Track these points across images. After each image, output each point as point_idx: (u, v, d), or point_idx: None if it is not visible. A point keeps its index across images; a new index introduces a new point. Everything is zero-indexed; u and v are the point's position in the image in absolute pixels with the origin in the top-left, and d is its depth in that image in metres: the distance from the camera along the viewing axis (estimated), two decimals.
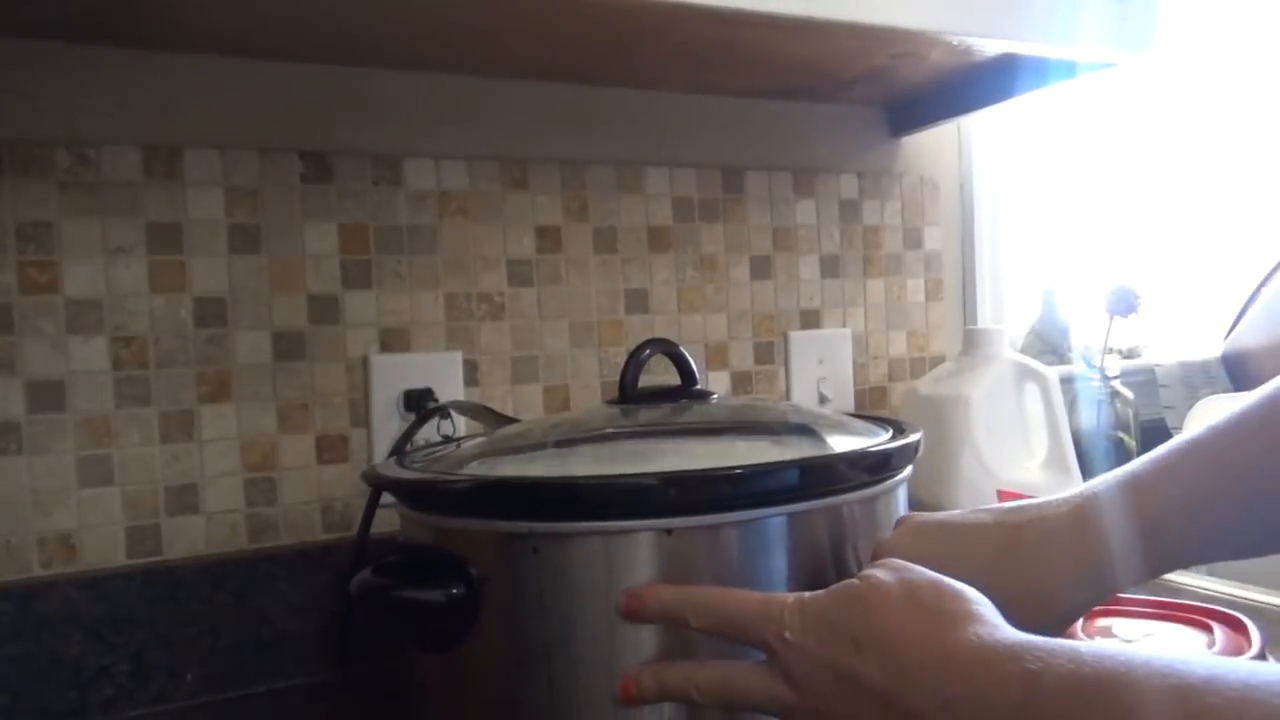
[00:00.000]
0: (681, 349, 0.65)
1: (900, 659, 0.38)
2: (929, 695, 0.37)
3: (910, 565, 0.42)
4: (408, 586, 0.49)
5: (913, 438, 0.56)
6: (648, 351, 0.63)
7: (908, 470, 0.57)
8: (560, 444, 0.59)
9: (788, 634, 0.41)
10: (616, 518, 0.47)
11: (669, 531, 0.47)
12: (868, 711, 0.38)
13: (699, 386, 0.64)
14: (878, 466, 0.54)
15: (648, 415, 0.62)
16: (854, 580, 0.42)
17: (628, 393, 0.62)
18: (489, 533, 0.48)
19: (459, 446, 0.66)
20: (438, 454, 0.64)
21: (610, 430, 0.60)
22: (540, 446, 0.60)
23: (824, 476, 0.51)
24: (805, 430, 0.61)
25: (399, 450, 0.72)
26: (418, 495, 0.55)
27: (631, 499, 0.47)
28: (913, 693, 0.37)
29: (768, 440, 0.61)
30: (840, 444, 0.56)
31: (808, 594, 0.42)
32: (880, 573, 0.42)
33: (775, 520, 0.49)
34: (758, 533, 0.49)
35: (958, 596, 0.40)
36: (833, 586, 0.42)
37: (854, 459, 0.53)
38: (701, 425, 0.63)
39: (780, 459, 0.54)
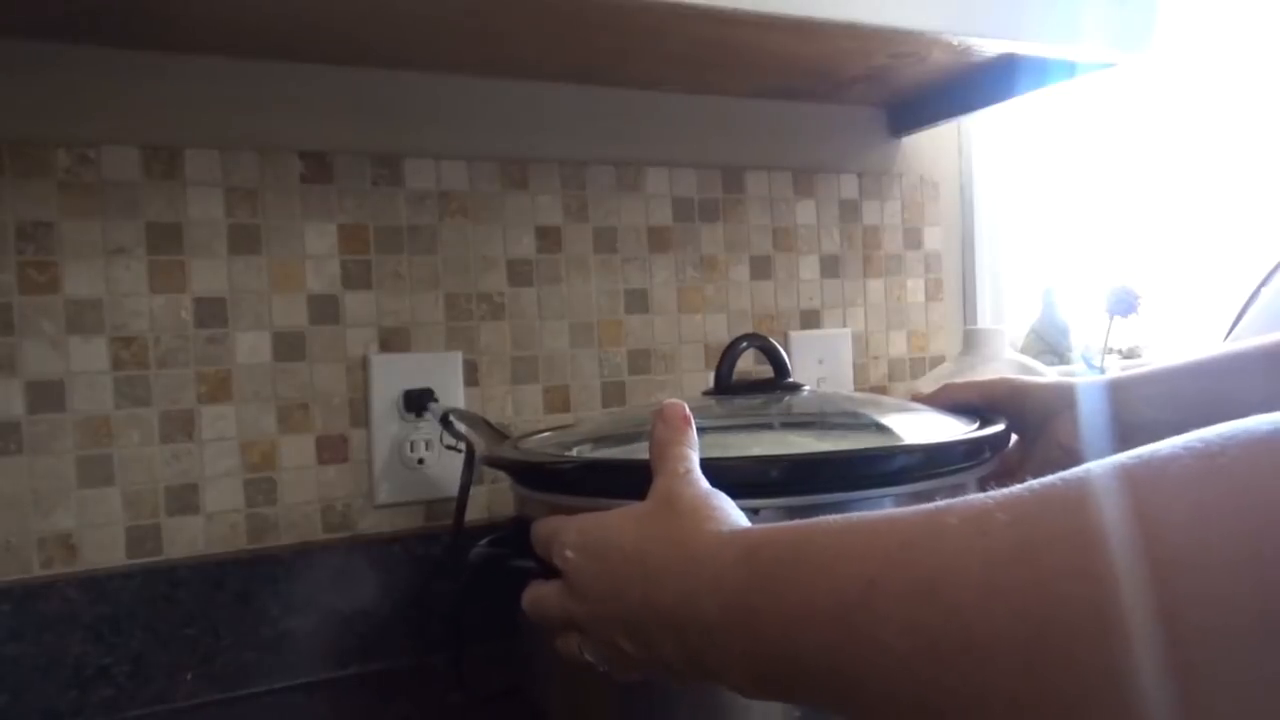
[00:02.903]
0: (774, 343, 0.67)
1: (650, 563, 0.41)
2: (674, 592, 0.39)
3: (688, 479, 0.45)
4: (523, 556, 0.51)
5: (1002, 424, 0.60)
6: (744, 345, 0.66)
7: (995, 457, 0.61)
8: None
9: (569, 553, 0.45)
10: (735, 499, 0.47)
11: (755, 511, 0.48)
12: (635, 614, 0.41)
13: (791, 379, 0.66)
14: (978, 452, 0.57)
15: (744, 404, 0.65)
16: (636, 504, 0.45)
17: (723, 384, 0.65)
18: (600, 509, 0.50)
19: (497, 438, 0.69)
20: (546, 439, 0.67)
21: (707, 418, 0.61)
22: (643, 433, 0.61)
23: (936, 459, 0.54)
24: (887, 421, 0.63)
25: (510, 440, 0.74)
26: (534, 476, 0.60)
27: (744, 479, 0.50)
28: (661, 593, 0.40)
29: (860, 429, 0.63)
30: (935, 431, 0.59)
31: (593, 515, 0.46)
32: (660, 490, 0.45)
33: (887, 501, 0.52)
34: None
35: (707, 504, 0.43)
36: (615, 510, 0.45)
37: (970, 443, 0.56)
38: (799, 414, 0.65)
39: (893, 444, 0.57)
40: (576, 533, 0.45)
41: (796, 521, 0.38)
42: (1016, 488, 0.30)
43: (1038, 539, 0.28)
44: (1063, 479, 0.29)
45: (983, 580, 0.28)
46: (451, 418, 0.81)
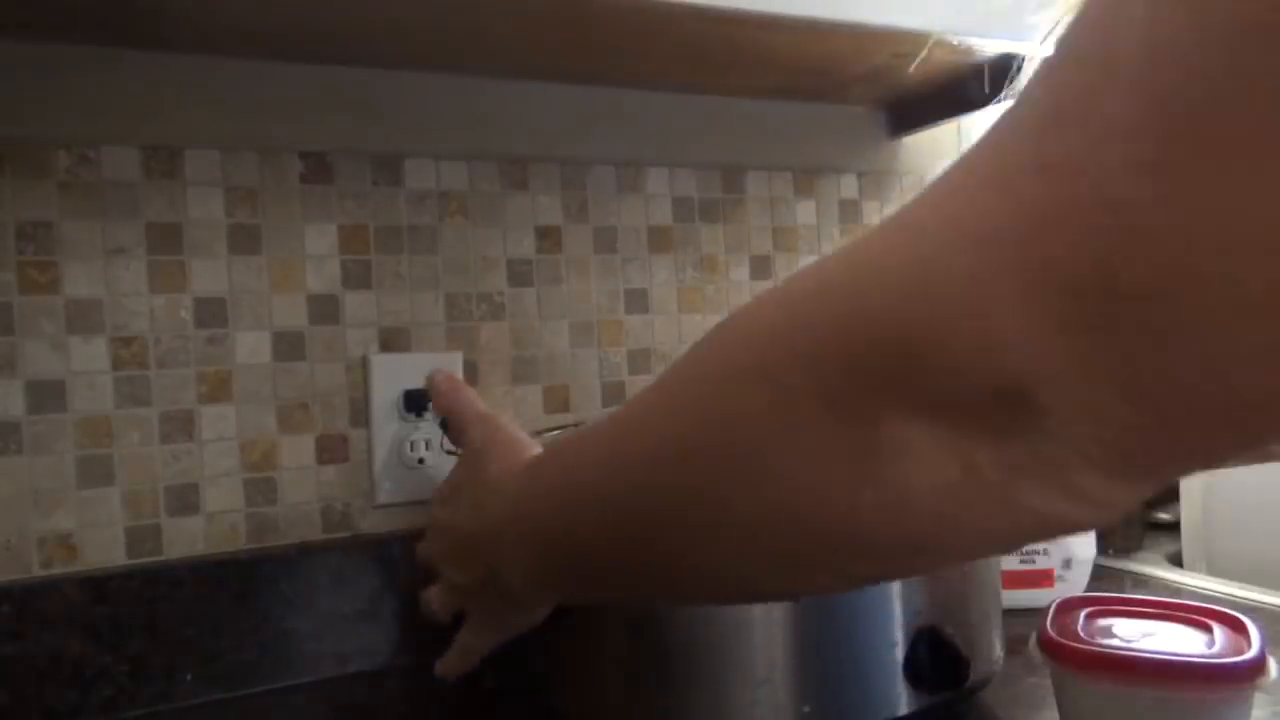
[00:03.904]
0: None
1: (479, 495, 0.51)
2: (497, 510, 0.48)
3: (499, 430, 0.55)
4: None
5: None
6: None
7: None
8: None
9: (434, 507, 0.56)
10: None
11: None
12: (460, 542, 0.51)
13: None
14: None
15: None
16: (470, 452, 0.56)
17: None
18: None
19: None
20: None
21: None
22: None
23: None
24: None
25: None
26: None
27: None
28: (484, 515, 0.49)
29: None
30: None
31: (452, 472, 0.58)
32: (484, 438, 0.55)
33: None
34: None
35: (525, 444, 0.53)
36: (459, 462, 0.58)
37: None
38: None
39: None
40: (435, 489, 0.56)
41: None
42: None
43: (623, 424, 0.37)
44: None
45: (596, 456, 0.38)
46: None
